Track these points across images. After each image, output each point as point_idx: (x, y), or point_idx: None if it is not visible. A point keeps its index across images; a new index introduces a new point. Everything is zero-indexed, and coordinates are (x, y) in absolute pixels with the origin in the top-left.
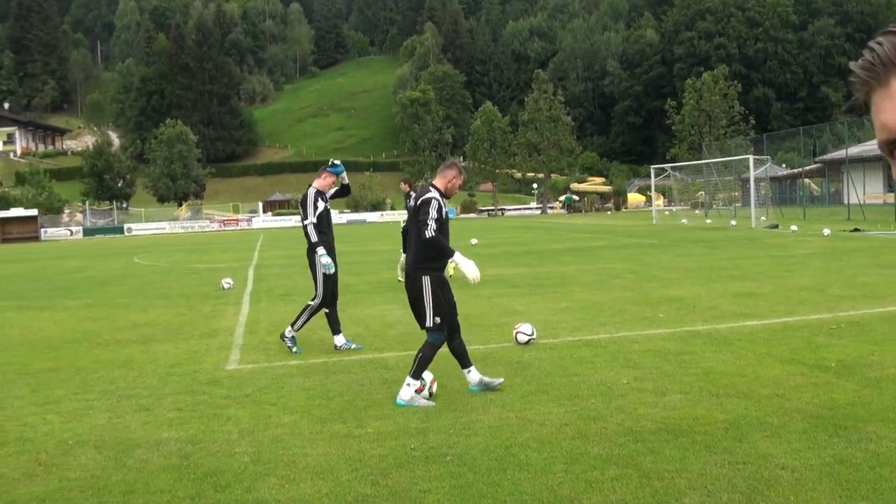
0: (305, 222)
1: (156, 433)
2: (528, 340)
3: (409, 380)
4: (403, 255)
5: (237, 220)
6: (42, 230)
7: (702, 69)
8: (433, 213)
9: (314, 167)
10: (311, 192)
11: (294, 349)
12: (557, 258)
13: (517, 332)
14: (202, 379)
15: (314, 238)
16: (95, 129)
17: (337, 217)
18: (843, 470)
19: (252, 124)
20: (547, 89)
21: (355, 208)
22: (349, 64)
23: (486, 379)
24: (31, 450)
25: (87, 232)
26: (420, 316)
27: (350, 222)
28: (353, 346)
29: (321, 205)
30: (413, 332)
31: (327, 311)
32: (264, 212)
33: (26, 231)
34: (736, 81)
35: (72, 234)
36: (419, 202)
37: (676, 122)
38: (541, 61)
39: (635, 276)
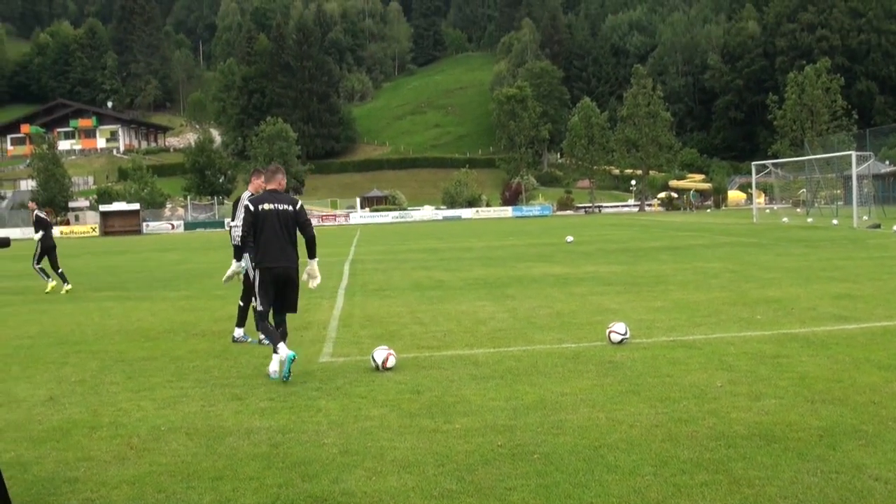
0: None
1: (247, 422)
2: (622, 340)
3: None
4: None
5: (335, 215)
6: (144, 224)
7: (804, 62)
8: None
9: (412, 164)
10: None
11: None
12: (654, 256)
13: (610, 332)
14: (295, 370)
15: None
16: (197, 126)
17: (432, 213)
18: None
19: (351, 122)
20: (646, 84)
21: (451, 205)
22: (447, 61)
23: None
24: (124, 434)
25: (189, 226)
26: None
27: (445, 219)
28: (250, 339)
29: None
30: (505, 328)
31: (242, 304)
32: (362, 207)
33: (128, 224)
34: (839, 75)
35: (173, 227)
36: (298, 206)
37: (778, 118)
38: (640, 55)
39: (733, 275)
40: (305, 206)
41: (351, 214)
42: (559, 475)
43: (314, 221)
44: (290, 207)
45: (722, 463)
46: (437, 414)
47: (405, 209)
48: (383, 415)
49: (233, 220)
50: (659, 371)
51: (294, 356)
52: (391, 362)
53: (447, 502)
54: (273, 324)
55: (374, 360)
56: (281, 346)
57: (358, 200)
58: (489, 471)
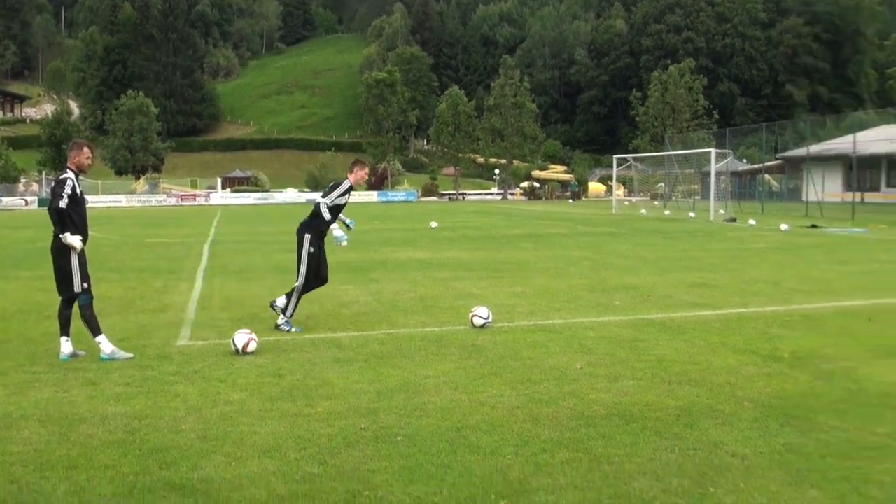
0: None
1: (102, 408)
2: (484, 324)
3: (99, 338)
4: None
5: (195, 195)
6: None
7: (668, 62)
8: (67, 190)
9: (276, 144)
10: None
11: (294, 329)
12: (516, 244)
13: (473, 315)
14: (151, 354)
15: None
16: (55, 97)
17: (295, 196)
18: (793, 458)
19: (214, 99)
20: (513, 75)
21: (315, 187)
22: (316, 42)
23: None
24: None
25: (43, 202)
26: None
27: (309, 202)
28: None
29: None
30: (369, 311)
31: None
32: (223, 188)
33: None
34: (702, 76)
35: (27, 203)
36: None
37: (640, 114)
38: (509, 47)
39: (592, 263)
40: (164, 185)
41: (211, 195)
42: (422, 457)
43: (172, 200)
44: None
45: (582, 442)
46: (299, 398)
47: (268, 191)
48: (243, 399)
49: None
50: (520, 354)
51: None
52: (252, 347)
53: (309, 486)
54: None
55: (235, 345)
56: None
57: (219, 181)
58: (352, 454)
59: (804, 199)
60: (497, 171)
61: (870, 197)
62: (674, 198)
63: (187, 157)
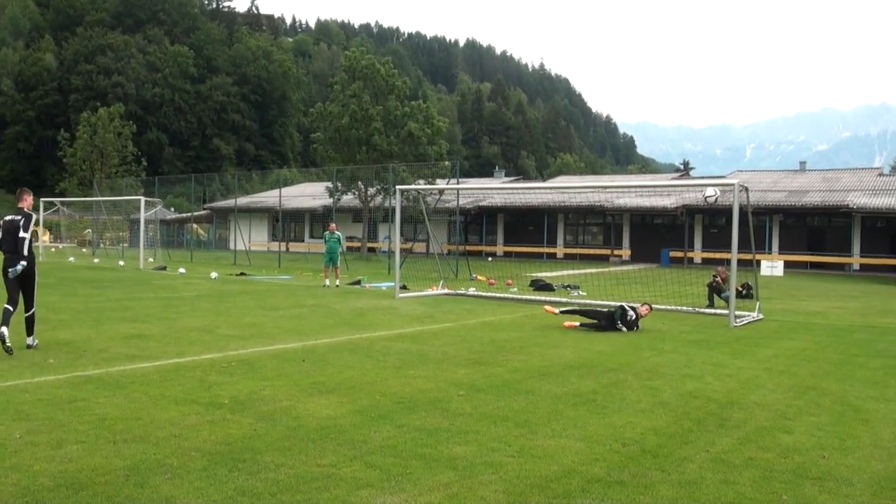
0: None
1: None
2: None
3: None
4: None
5: None
6: None
7: (98, 104)
8: None
9: None
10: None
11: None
12: None
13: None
14: None
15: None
16: None
17: None
18: (247, 501)
19: None
20: None
21: None
22: None
23: None
24: None
25: None
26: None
27: None
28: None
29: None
30: None
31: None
32: None
33: None
34: (132, 122)
35: None
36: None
37: (69, 155)
38: None
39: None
40: None
41: None
42: None
43: None
44: None
45: None
46: None
47: None
48: None
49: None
50: None
51: None
52: None
53: None
54: None
55: None
56: None
57: None
58: None
59: (232, 247)
60: None
61: (294, 247)
62: (102, 245)
63: None
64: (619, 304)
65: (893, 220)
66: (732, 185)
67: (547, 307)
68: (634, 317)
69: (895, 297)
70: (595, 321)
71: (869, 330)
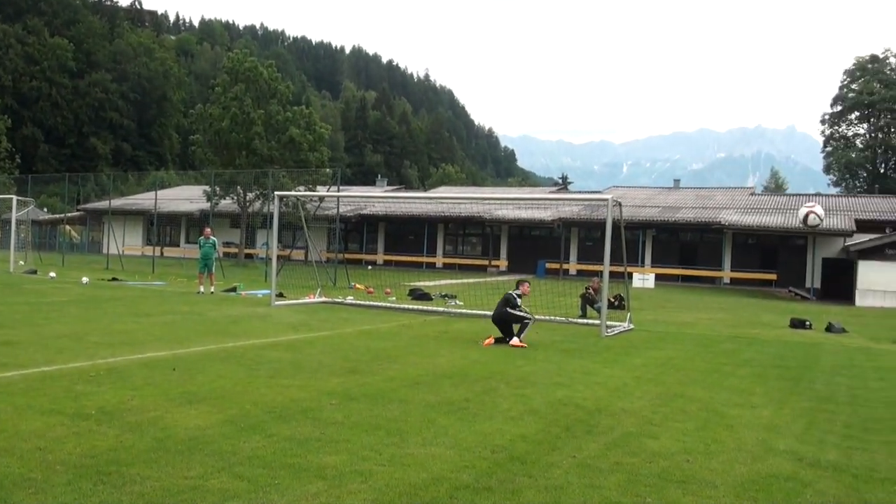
0: None
1: None
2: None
3: None
4: None
5: None
6: None
7: None
8: None
9: None
10: None
11: None
12: None
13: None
14: None
15: None
16: None
17: None
18: None
19: None
20: None
21: None
22: None
23: None
24: None
25: None
26: None
27: None
28: None
29: None
30: None
31: None
32: None
33: None
34: (7, 116)
35: None
36: None
37: None
38: None
39: None
40: None
41: None
42: None
43: None
44: None
45: None
46: None
47: None
48: None
49: None
50: None
51: None
52: None
53: None
54: None
55: None
56: None
57: None
58: None
59: (105, 251)
60: None
61: (170, 252)
62: None
63: None
64: (504, 295)
65: (763, 237)
66: (606, 199)
67: (513, 341)
68: (519, 301)
69: (763, 310)
70: (520, 324)
71: (736, 340)
